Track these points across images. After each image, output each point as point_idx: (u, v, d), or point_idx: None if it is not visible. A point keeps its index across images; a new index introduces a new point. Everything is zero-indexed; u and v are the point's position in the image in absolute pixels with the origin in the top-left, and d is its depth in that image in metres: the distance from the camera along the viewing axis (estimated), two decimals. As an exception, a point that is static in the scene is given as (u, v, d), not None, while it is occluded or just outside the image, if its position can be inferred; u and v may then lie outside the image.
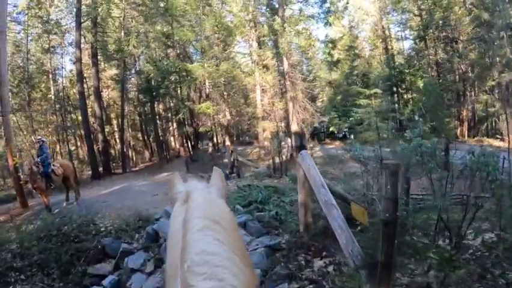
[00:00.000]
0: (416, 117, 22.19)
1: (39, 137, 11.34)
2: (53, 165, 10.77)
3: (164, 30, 23.96)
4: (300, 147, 6.12)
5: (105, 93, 31.49)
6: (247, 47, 28.67)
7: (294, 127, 22.36)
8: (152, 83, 24.76)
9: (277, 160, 15.34)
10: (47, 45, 26.64)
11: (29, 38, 26.42)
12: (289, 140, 18.72)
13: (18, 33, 26.97)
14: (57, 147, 27.65)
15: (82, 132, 25.59)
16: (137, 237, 7.58)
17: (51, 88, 28.53)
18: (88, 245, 7.17)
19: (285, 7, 24.18)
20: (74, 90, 27.73)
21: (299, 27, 25.05)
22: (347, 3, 26.49)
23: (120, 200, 11.07)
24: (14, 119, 21.92)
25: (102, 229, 8.05)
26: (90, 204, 10.86)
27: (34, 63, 26.52)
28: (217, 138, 26.42)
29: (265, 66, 24.41)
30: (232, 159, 16.23)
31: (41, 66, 27.31)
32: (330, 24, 26.04)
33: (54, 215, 9.40)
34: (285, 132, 23.37)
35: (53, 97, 28.25)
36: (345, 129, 30.09)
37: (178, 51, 24.88)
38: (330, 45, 26.52)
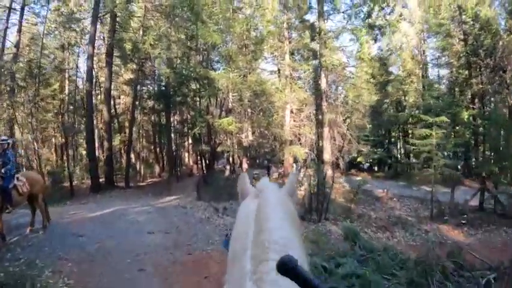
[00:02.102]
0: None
1: (3, 138, 8.24)
2: (17, 178, 7.78)
3: (188, 30, 21.27)
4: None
5: (121, 100, 29.39)
6: (273, 64, 26.14)
7: (327, 155, 19.11)
8: (169, 89, 22.03)
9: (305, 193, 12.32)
10: (65, 42, 24.67)
11: (46, 33, 24.47)
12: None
13: (35, 25, 25.31)
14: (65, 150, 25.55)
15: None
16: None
17: (66, 87, 27.09)
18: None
19: (325, 19, 21.32)
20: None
21: (338, 42, 22.27)
22: (400, 16, 23.23)
23: (101, 237, 8.08)
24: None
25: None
26: (60, 236, 7.96)
27: (48, 59, 24.56)
28: (233, 159, 23.39)
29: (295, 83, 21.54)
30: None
31: (57, 63, 25.52)
32: (376, 41, 22.95)
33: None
34: (314, 160, 20.28)
35: (66, 97, 26.82)
36: (370, 160, 27.19)
37: (201, 57, 22.09)
38: (377, 64, 23.40)
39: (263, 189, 0.94)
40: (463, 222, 12.38)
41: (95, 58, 26.44)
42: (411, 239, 10.79)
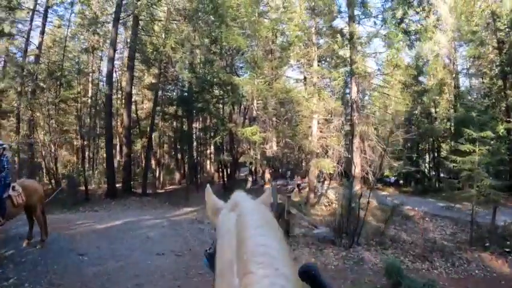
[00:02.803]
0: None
1: None
2: (13, 187, 6.88)
3: (211, 34, 20.47)
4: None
5: (144, 105, 28.99)
6: (299, 72, 25.10)
7: (357, 170, 17.72)
8: (191, 94, 21.25)
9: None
10: (88, 46, 24.53)
11: (70, 36, 24.78)
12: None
13: (59, 27, 25.53)
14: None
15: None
16: None
17: (89, 91, 27.20)
18: None
19: (356, 23, 20.13)
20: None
21: (370, 48, 20.98)
22: (438, 20, 21.66)
23: (105, 257, 7.13)
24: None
25: None
26: (59, 253, 7.07)
27: (71, 62, 24.31)
28: (255, 169, 22.33)
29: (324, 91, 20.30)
30: (276, 204, 11.77)
31: (80, 66, 24.92)
32: (410, 47, 21.36)
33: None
34: (342, 175, 18.99)
35: (89, 100, 26.74)
36: (395, 174, 25.72)
37: (225, 62, 21.19)
38: (414, 72, 21.82)
39: (238, 201, 0.93)
40: (507, 250, 10.91)
41: (119, 62, 26.29)
42: (453, 271, 9.40)
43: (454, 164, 13.48)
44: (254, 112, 19.74)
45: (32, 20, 21.91)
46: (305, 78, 23.56)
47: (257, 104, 19.74)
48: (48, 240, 7.70)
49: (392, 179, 27.31)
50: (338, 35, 20.59)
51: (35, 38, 22.23)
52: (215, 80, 19.58)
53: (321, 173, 20.51)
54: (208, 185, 1.27)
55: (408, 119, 24.32)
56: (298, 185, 21.98)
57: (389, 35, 19.25)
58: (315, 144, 18.78)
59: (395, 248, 10.11)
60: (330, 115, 20.36)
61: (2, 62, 22.27)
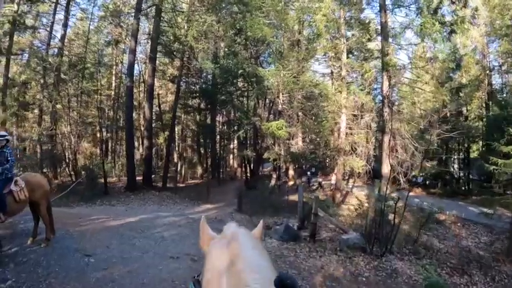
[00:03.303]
0: None
1: (2, 133, 6.52)
2: (15, 182, 6.28)
3: (235, 23, 19.65)
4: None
5: (168, 98, 28.65)
6: (325, 66, 24.03)
7: (386, 170, 16.55)
8: (214, 86, 20.59)
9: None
10: (111, 39, 24.85)
11: (94, 29, 24.89)
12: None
13: (81, 20, 25.78)
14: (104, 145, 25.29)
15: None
16: None
17: (113, 83, 27.49)
18: None
19: (389, 12, 18.94)
20: (135, 90, 24.95)
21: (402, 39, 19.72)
22: (476, 10, 20.05)
23: (113, 259, 6.48)
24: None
25: None
26: (64, 254, 6.46)
27: (94, 55, 24.12)
28: (279, 166, 21.49)
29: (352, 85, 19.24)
30: (302, 203, 10.92)
31: (103, 59, 25.56)
32: (446, 40, 19.89)
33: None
34: (370, 174, 17.98)
35: (112, 93, 27.13)
36: (422, 174, 24.45)
37: (249, 53, 20.36)
38: (452, 65, 20.32)
39: (234, 237, 0.92)
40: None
41: (142, 56, 25.96)
42: (493, 287, 8.34)
43: (494, 167, 12.27)
44: (280, 106, 18.78)
45: (55, 14, 22.10)
46: (332, 72, 22.52)
47: (283, 97, 18.78)
48: (55, 238, 7.12)
49: (420, 179, 25.94)
50: (368, 26, 19.54)
51: (58, 33, 22.35)
52: (239, 71, 18.72)
53: (345, 171, 19.59)
54: (203, 217, 1.19)
55: (442, 117, 22.93)
56: (319, 183, 21.09)
57: (424, 24, 17.88)
58: (343, 141, 17.78)
59: (429, 258, 9.08)
60: (358, 111, 19.30)
61: (27, 56, 22.68)
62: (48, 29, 22.20)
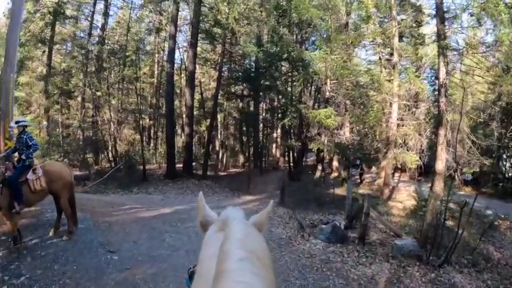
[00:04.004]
0: None
1: (19, 119, 6.27)
2: (33, 170, 5.73)
3: (279, 3, 18.60)
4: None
5: (210, 85, 28.29)
6: (373, 53, 22.30)
7: (440, 166, 14.95)
8: (257, 71, 19.72)
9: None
10: (152, 27, 24.74)
11: (135, 18, 24.93)
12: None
13: (121, 9, 26.17)
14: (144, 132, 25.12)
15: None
16: None
17: (155, 71, 27.65)
18: None
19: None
20: (176, 78, 24.81)
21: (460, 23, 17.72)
22: None
23: (138, 257, 5.77)
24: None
25: None
26: (85, 249, 5.86)
27: (136, 43, 23.68)
28: (323, 156, 20.36)
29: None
30: (351, 200, 9.75)
31: (144, 47, 25.69)
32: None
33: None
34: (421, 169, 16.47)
35: (155, 81, 27.19)
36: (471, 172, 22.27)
37: (295, 36, 19.28)
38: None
39: (228, 222, 0.81)
40: None
41: (184, 43, 25.62)
42: None
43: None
44: (327, 93, 17.53)
45: (95, 4, 22.45)
46: (380, 58, 20.91)
47: (331, 84, 17.53)
48: (80, 230, 6.54)
49: (469, 176, 23.77)
50: (421, 7, 17.90)
51: (100, 22, 22.77)
52: (284, 55, 17.70)
53: (396, 165, 18.17)
54: (201, 193, 1.07)
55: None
56: (360, 174, 19.80)
57: (488, 3, 15.93)
58: (395, 133, 16.33)
59: (490, 271, 7.64)
60: (412, 100, 17.71)
61: (69, 45, 23.33)
62: (89, 18, 22.56)
